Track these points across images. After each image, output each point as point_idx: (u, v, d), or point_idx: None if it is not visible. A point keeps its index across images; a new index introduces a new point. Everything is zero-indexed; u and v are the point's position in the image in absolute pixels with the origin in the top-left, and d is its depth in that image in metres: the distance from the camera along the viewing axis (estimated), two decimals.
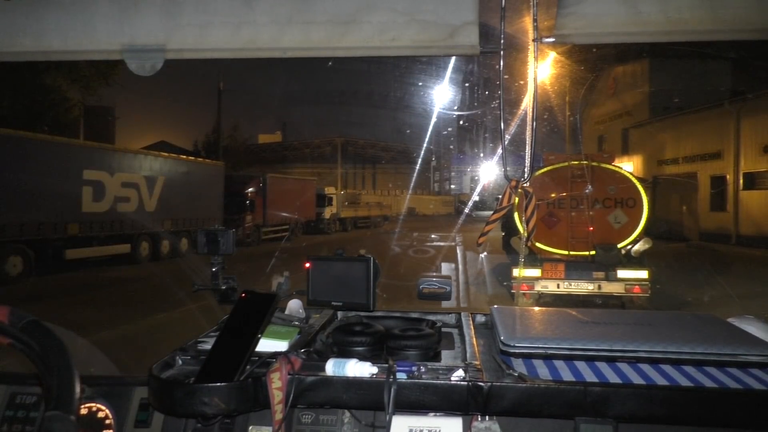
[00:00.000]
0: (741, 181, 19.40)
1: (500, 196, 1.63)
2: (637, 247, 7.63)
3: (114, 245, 15.28)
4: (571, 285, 7.44)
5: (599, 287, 7.37)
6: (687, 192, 21.31)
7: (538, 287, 7.51)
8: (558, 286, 7.46)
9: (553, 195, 7.98)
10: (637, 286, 7.28)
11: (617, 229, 7.81)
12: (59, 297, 10.52)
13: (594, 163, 8.02)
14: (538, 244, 7.75)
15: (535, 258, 7.74)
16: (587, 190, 7.71)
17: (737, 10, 1.38)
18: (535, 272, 7.53)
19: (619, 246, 7.70)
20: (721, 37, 1.38)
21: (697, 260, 14.84)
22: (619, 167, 8.48)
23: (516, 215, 7.67)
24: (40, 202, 12.71)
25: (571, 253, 7.83)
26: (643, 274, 7.33)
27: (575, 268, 7.53)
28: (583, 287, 7.43)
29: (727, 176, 20.00)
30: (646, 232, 7.80)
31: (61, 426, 0.86)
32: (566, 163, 8.06)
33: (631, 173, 8.36)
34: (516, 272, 7.66)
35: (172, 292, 10.79)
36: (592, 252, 7.70)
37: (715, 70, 21.20)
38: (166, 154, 19.36)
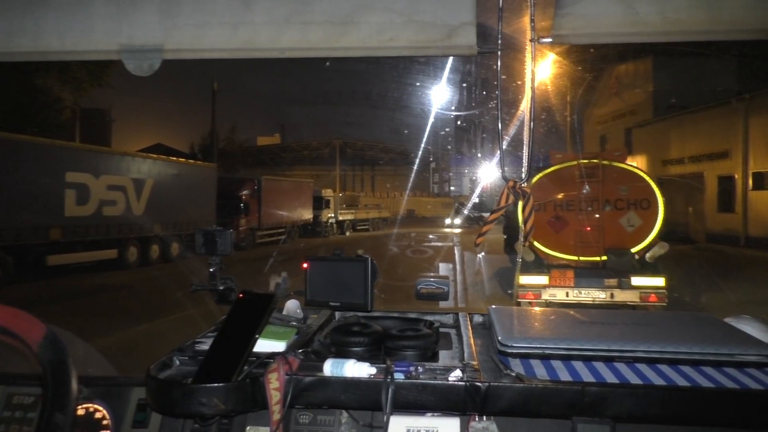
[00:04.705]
0: (750, 181, 19.47)
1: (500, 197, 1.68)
2: (652, 252, 7.27)
3: (100, 250, 15.15)
4: (581, 293, 7.07)
5: (611, 296, 7.00)
6: (693, 192, 21.35)
7: (546, 296, 7.14)
8: (567, 295, 7.09)
9: (560, 196, 7.66)
10: (652, 295, 6.90)
11: (630, 232, 7.46)
12: (36, 306, 10.34)
13: (605, 162, 7.65)
14: (545, 249, 7.47)
15: (541, 264, 7.40)
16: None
17: (735, 11, 1.43)
18: (543, 279, 7.17)
19: (633, 251, 7.35)
20: (719, 38, 1.43)
21: (707, 263, 14.45)
22: (632, 166, 8.08)
23: (519, 217, 7.53)
24: (19, 206, 12.54)
25: (581, 258, 7.44)
26: (660, 281, 6.94)
27: (585, 275, 7.15)
28: (594, 296, 7.04)
29: (736, 176, 20.07)
30: (661, 236, 7.45)
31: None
32: (575, 162, 7.74)
33: (645, 172, 7.96)
34: (522, 279, 7.29)
35: (158, 299, 10.53)
36: (603, 257, 7.32)
37: (721, 68, 21.33)
38: (155, 155, 19.34)
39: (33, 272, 13.12)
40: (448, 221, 33.95)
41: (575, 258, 7.46)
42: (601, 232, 7.42)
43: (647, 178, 7.66)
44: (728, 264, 15.62)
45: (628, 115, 27.33)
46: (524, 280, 7.23)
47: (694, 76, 21.96)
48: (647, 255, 7.26)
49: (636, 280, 6.98)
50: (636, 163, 25.07)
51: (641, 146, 25.71)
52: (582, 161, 7.72)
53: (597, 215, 7.50)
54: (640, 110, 26.25)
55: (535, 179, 7.55)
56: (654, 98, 25.01)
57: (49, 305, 10.20)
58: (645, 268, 7.19)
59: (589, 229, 7.52)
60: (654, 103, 25.13)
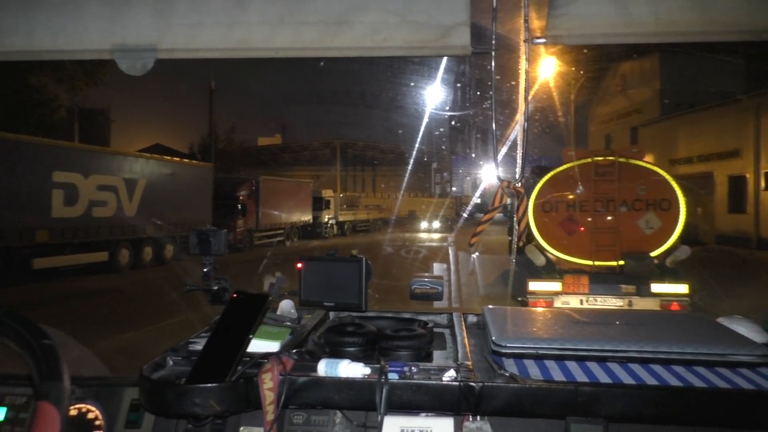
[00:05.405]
0: (762, 181, 19.42)
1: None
2: (673, 256, 6.93)
3: (89, 253, 15.04)
4: (596, 301, 6.73)
5: (630, 303, 6.63)
6: (702, 193, 21.29)
7: (558, 303, 6.75)
8: (581, 302, 6.73)
9: (571, 197, 7.33)
10: (674, 303, 6.49)
11: (649, 235, 7.11)
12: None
13: (621, 159, 7.28)
14: (556, 253, 7.20)
15: (553, 269, 7.10)
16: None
17: (727, 12, 1.48)
18: (555, 286, 6.80)
19: (653, 255, 6.99)
20: (711, 38, 1.48)
21: (721, 266, 14.06)
22: (651, 164, 7.68)
23: (531, 218, 7.16)
24: (2, 207, 12.43)
25: (596, 263, 7.12)
26: (682, 288, 6.54)
27: (601, 281, 6.81)
28: (610, 303, 6.69)
29: (747, 176, 20.05)
30: (683, 239, 7.09)
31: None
32: (589, 159, 7.37)
33: (665, 171, 7.57)
34: (532, 286, 6.90)
35: (150, 303, 10.42)
36: (620, 262, 7.00)
37: (731, 65, 21.34)
38: (147, 154, 19.35)
39: (18, 276, 12.94)
40: (424, 225, 32.78)
41: (590, 263, 7.16)
42: (618, 235, 7.12)
43: (667, 177, 7.32)
44: (743, 267, 15.35)
45: (633, 113, 27.38)
46: (535, 286, 6.90)
47: (702, 73, 21.98)
48: (668, 260, 6.96)
49: (656, 287, 6.63)
50: None
51: (648, 145, 25.72)
52: (597, 158, 7.41)
53: (613, 216, 7.21)
54: (647, 108, 26.29)
55: (545, 178, 7.39)
56: (661, 96, 25.03)
57: (34, 310, 9.97)
58: (665, 273, 6.88)
59: (604, 231, 7.21)
60: (661, 102, 25.15)
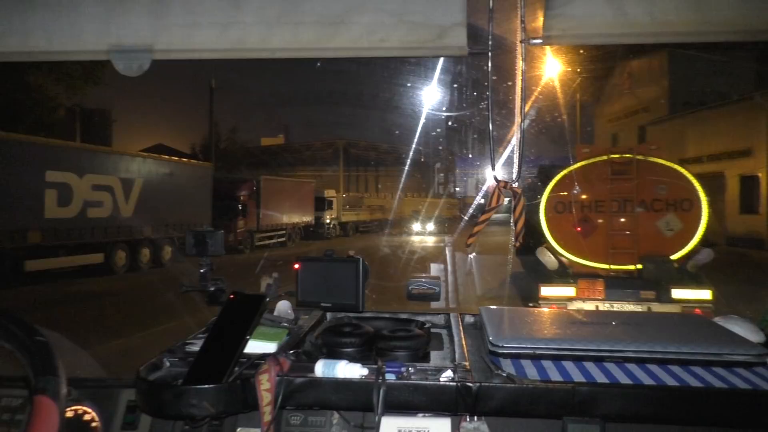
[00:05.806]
0: None
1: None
2: (694, 260, 6.70)
3: (84, 255, 15.02)
4: (613, 307, 6.46)
5: (649, 310, 6.34)
6: (712, 193, 21.18)
7: (572, 309, 6.38)
8: (597, 309, 6.47)
9: (585, 196, 7.11)
10: (697, 309, 6.17)
11: (669, 237, 6.84)
12: None
13: (639, 156, 7.00)
14: (570, 256, 7.00)
15: (566, 273, 6.92)
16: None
17: (723, 12, 1.51)
18: (569, 291, 6.60)
19: (673, 258, 6.74)
20: (708, 39, 1.51)
21: (736, 269, 13.60)
22: (670, 162, 7.37)
23: (543, 219, 7.01)
24: None
25: (612, 267, 6.85)
26: (705, 293, 6.29)
27: (618, 286, 6.56)
28: (628, 310, 6.41)
29: (759, 175, 19.99)
30: (704, 242, 6.83)
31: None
32: (605, 157, 7.11)
33: (686, 169, 7.23)
34: (545, 291, 6.72)
35: (144, 308, 10.36)
36: (638, 266, 6.74)
37: (741, 62, 21.29)
38: (144, 153, 19.37)
39: (9, 279, 12.85)
40: (426, 225, 32.12)
41: (606, 266, 6.89)
42: (636, 237, 6.88)
43: (689, 176, 7.01)
44: (758, 269, 15.18)
45: (641, 112, 27.35)
46: (547, 291, 6.74)
47: (711, 71, 21.95)
48: (689, 263, 6.70)
49: (677, 293, 6.37)
50: None
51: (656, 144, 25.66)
52: (613, 156, 7.11)
53: (631, 217, 6.97)
54: (655, 107, 26.26)
55: (558, 177, 7.21)
56: (669, 94, 24.99)
57: (25, 315, 9.94)
58: (687, 278, 6.63)
59: (621, 233, 6.96)
60: (670, 100, 25.12)
